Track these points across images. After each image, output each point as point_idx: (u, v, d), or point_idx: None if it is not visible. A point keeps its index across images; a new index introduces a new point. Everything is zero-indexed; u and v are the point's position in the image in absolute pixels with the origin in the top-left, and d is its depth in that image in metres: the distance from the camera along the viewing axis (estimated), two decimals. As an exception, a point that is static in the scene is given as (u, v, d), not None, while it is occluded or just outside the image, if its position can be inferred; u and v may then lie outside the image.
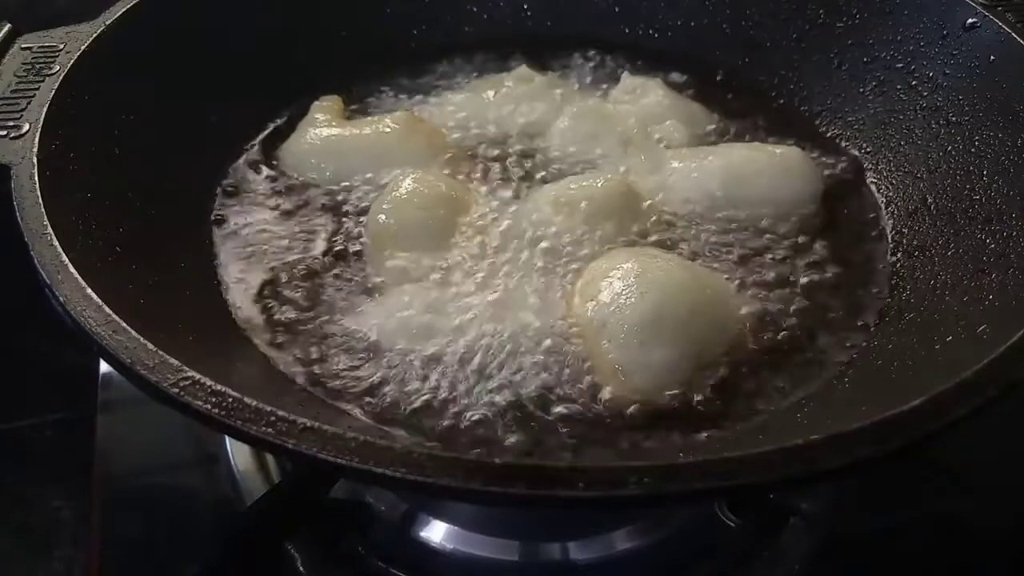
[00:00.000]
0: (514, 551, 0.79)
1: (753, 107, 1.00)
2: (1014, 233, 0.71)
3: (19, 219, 0.63)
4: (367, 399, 0.69)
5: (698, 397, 0.68)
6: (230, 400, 0.49)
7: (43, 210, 0.63)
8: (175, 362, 0.52)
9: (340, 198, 0.87)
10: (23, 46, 0.81)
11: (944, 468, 0.84)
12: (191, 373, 0.51)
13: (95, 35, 0.81)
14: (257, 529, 0.75)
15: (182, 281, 0.75)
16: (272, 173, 0.91)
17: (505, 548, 0.79)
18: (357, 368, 0.71)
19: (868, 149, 0.92)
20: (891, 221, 0.85)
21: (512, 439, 0.66)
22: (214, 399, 0.50)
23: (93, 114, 0.77)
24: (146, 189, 0.78)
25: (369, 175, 0.88)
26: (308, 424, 0.48)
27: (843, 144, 0.94)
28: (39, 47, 0.80)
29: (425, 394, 0.69)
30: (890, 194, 0.87)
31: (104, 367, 0.94)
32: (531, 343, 0.71)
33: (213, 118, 0.91)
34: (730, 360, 0.71)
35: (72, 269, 0.58)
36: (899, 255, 0.81)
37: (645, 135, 0.93)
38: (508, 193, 0.87)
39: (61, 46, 0.80)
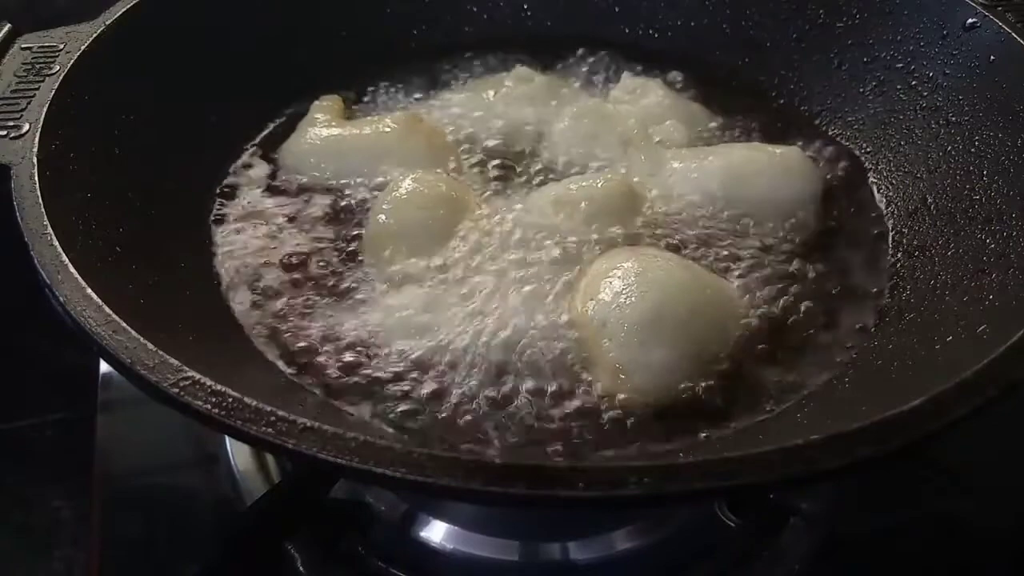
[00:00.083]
0: (514, 551, 0.79)
1: (753, 107, 1.00)
2: (1014, 233, 0.71)
3: (19, 219, 0.63)
4: (367, 399, 0.69)
5: (698, 397, 0.68)
6: (230, 400, 0.50)
7: (43, 210, 0.63)
8: (175, 362, 0.52)
9: (340, 198, 0.87)
10: (23, 46, 0.81)
11: (944, 468, 0.84)
12: (191, 373, 0.51)
13: (95, 35, 0.81)
14: (257, 529, 0.75)
15: (182, 281, 0.75)
16: (272, 173, 0.91)
17: (505, 548, 0.79)
18: (357, 368, 0.71)
19: (868, 149, 0.92)
20: (891, 221, 0.85)
21: (512, 439, 0.66)
22: (214, 399, 0.50)
23: (93, 114, 0.77)
24: (146, 189, 0.78)
25: (369, 175, 0.88)
26: (308, 424, 0.48)
27: (843, 144, 0.94)
28: (39, 47, 0.80)
29: (425, 394, 0.69)
30: (890, 194, 0.87)
31: (104, 367, 0.94)
32: (531, 342, 0.71)
33: (213, 118, 0.91)
34: (730, 360, 0.71)
35: (72, 269, 0.58)
36: (899, 255, 0.81)
37: (645, 135, 0.93)
38: (508, 193, 0.88)
39: (61, 46, 0.80)
